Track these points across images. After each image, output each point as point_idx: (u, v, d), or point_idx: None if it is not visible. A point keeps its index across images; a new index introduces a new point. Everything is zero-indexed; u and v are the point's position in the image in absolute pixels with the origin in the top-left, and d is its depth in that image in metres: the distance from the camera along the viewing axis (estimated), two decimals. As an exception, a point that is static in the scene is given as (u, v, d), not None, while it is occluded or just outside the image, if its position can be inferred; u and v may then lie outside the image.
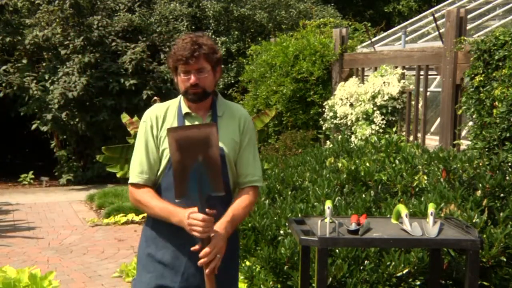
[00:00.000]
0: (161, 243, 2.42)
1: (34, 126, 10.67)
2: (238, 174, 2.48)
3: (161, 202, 2.36)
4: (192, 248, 2.28)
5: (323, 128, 7.90)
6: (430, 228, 2.47)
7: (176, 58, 2.36)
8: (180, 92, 2.45)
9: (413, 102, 6.65)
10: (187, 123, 2.43)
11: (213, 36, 11.72)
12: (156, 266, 2.41)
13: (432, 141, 6.62)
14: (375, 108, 6.75)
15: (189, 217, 2.24)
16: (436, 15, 6.97)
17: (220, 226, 2.31)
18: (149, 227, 2.49)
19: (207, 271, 2.26)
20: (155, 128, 2.43)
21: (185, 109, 2.46)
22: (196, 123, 2.42)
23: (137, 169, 2.43)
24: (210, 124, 2.30)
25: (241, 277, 3.72)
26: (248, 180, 2.48)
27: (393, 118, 6.75)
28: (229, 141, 2.43)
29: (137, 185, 2.43)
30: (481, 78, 5.22)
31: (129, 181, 2.45)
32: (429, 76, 6.79)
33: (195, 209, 2.25)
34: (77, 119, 10.38)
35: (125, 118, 7.06)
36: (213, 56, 2.40)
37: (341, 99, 7.33)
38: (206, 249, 2.25)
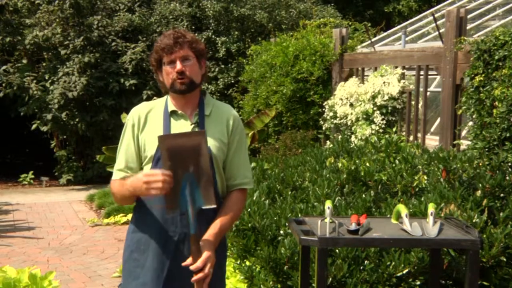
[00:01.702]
0: (144, 247, 2.37)
1: (34, 126, 10.67)
2: (227, 177, 2.43)
3: (124, 182, 2.32)
4: (183, 264, 2.23)
5: (323, 128, 7.90)
6: (430, 228, 2.47)
7: (160, 48, 2.33)
8: (167, 89, 2.40)
9: (413, 102, 6.65)
10: (173, 121, 2.38)
11: (213, 36, 11.71)
12: (140, 272, 2.37)
13: (432, 141, 6.62)
14: (375, 108, 6.75)
15: (145, 175, 2.19)
16: (436, 15, 6.97)
17: (208, 238, 2.28)
18: (132, 231, 2.44)
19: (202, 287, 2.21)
20: (136, 127, 2.40)
21: (171, 107, 2.41)
22: (182, 121, 2.38)
23: (116, 166, 2.43)
24: (200, 132, 2.25)
25: (241, 277, 3.72)
26: (238, 182, 2.43)
27: (393, 118, 6.75)
28: (217, 141, 2.37)
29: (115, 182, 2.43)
30: (481, 78, 5.22)
31: (112, 179, 2.44)
32: (429, 76, 6.78)
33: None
34: (77, 119, 10.38)
35: (125, 118, 7.06)
36: (196, 45, 2.38)
37: (341, 99, 7.33)
38: (198, 264, 2.19)
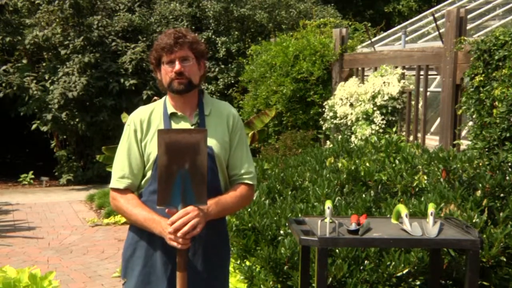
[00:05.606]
0: (148, 246, 2.35)
1: (34, 126, 10.67)
2: (230, 174, 2.42)
3: (144, 211, 2.28)
4: (167, 211, 2.19)
5: (323, 128, 7.90)
6: (430, 228, 2.47)
7: (160, 47, 2.32)
8: (164, 88, 2.39)
9: (413, 102, 6.65)
10: (173, 124, 2.36)
11: (213, 36, 11.71)
12: (142, 270, 2.36)
13: (432, 141, 6.62)
14: (375, 108, 6.75)
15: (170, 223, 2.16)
16: (436, 15, 6.97)
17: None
18: (134, 230, 2.41)
19: (179, 234, 2.14)
20: (139, 132, 2.37)
21: (170, 109, 2.39)
22: (182, 123, 2.36)
23: (118, 174, 2.36)
24: (201, 131, 2.22)
25: (241, 277, 3.72)
26: (240, 177, 2.41)
27: (393, 118, 6.75)
28: (219, 140, 2.36)
29: (118, 190, 2.36)
30: (481, 78, 5.22)
31: (110, 186, 2.38)
32: (429, 76, 6.78)
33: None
34: (77, 119, 10.38)
35: (125, 118, 7.07)
36: (197, 46, 2.37)
37: (341, 99, 7.33)
38: (180, 212, 2.16)
